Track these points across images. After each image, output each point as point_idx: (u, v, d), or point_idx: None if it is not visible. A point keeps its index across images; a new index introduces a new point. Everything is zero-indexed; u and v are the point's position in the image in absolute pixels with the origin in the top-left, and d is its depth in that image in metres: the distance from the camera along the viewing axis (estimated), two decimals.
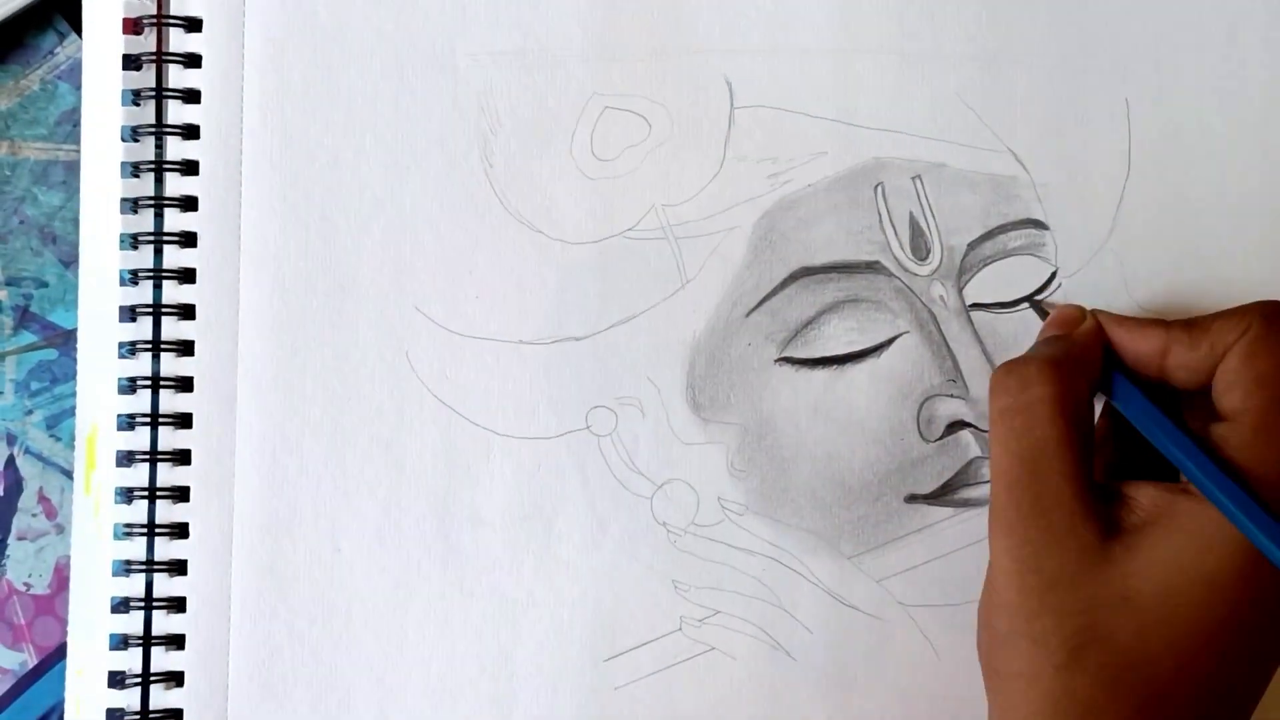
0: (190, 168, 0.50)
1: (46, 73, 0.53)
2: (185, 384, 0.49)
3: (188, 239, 0.50)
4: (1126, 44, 0.51)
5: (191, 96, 0.50)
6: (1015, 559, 0.41)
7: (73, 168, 0.52)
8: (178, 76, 0.50)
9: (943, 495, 0.50)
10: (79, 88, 0.51)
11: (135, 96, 0.50)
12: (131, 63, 0.50)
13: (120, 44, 0.50)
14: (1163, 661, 0.40)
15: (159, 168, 0.50)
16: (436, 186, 0.50)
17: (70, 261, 0.52)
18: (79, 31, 0.52)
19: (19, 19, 0.52)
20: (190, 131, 0.50)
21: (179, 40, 0.50)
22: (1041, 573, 0.41)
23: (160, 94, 0.50)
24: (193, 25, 0.50)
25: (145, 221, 0.50)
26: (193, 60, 0.50)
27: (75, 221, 0.51)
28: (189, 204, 0.50)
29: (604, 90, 0.51)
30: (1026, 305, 0.50)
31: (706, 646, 0.49)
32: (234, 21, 0.50)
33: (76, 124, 0.52)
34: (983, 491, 0.50)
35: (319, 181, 0.50)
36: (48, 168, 0.53)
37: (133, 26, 0.50)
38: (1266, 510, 0.39)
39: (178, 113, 0.50)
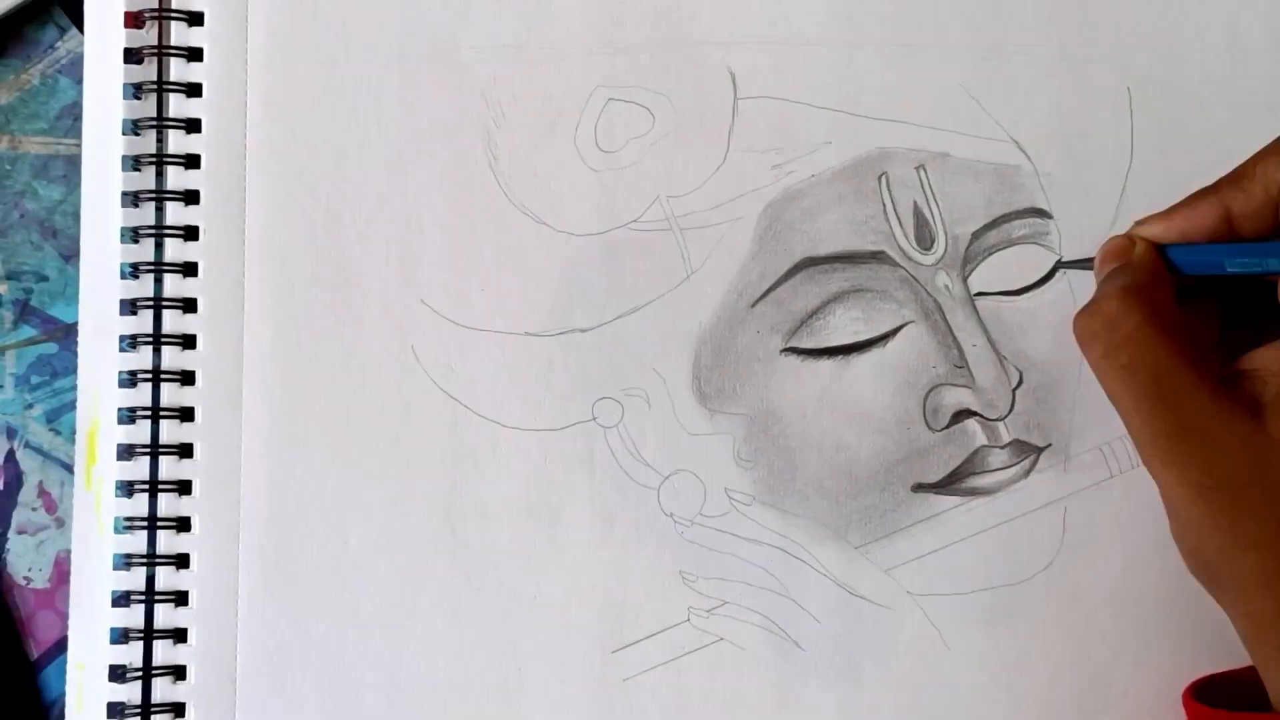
0: (192, 162, 0.49)
1: (47, 67, 0.53)
2: (187, 378, 0.49)
3: (190, 232, 0.49)
4: (1129, 33, 0.51)
5: (194, 90, 0.50)
6: (1189, 483, 0.40)
7: (73, 162, 0.52)
8: (180, 70, 0.50)
9: (950, 484, 0.49)
10: (79, 82, 0.51)
11: (136, 90, 0.50)
12: (133, 56, 0.50)
13: (121, 38, 0.50)
14: None
15: (160, 161, 0.49)
16: (441, 179, 0.50)
17: (71, 255, 0.52)
18: (79, 26, 0.51)
19: (19, 13, 0.52)
20: (192, 125, 0.49)
21: (181, 34, 0.50)
22: (1219, 483, 0.40)
23: (161, 88, 0.50)
24: (195, 19, 0.50)
25: (146, 215, 0.49)
26: (195, 54, 0.50)
27: (76, 215, 0.50)
28: (191, 198, 0.49)
29: (607, 82, 0.50)
30: (1032, 293, 0.50)
31: (715, 637, 0.49)
32: (236, 15, 0.50)
33: (77, 118, 0.51)
34: (989, 480, 0.49)
35: (323, 175, 0.50)
36: (48, 162, 0.52)
37: (134, 20, 0.50)
38: None
39: (180, 107, 0.50)
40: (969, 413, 0.50)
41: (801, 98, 0.51)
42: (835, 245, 0.50)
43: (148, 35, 0.50)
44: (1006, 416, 0.50)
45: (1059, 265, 0.50)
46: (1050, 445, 0.50)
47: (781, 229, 0.50)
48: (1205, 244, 0.42)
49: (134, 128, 0.50)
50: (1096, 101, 0.51)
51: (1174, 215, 0.43)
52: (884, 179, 0.50)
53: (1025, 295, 0.50)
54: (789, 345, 0.50)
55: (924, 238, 0.50)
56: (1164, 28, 0.51)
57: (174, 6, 0.50)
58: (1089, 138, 0.50)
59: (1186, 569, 0.42)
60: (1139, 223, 0.44)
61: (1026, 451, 0.50)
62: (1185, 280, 0.43)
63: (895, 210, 0.50)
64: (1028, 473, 0.50)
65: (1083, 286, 0.50)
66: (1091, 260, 0.45)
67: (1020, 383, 0.50)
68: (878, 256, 0.50)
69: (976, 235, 0.50)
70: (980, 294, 0.50)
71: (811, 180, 0.50)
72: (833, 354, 0.50)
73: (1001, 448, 0.50)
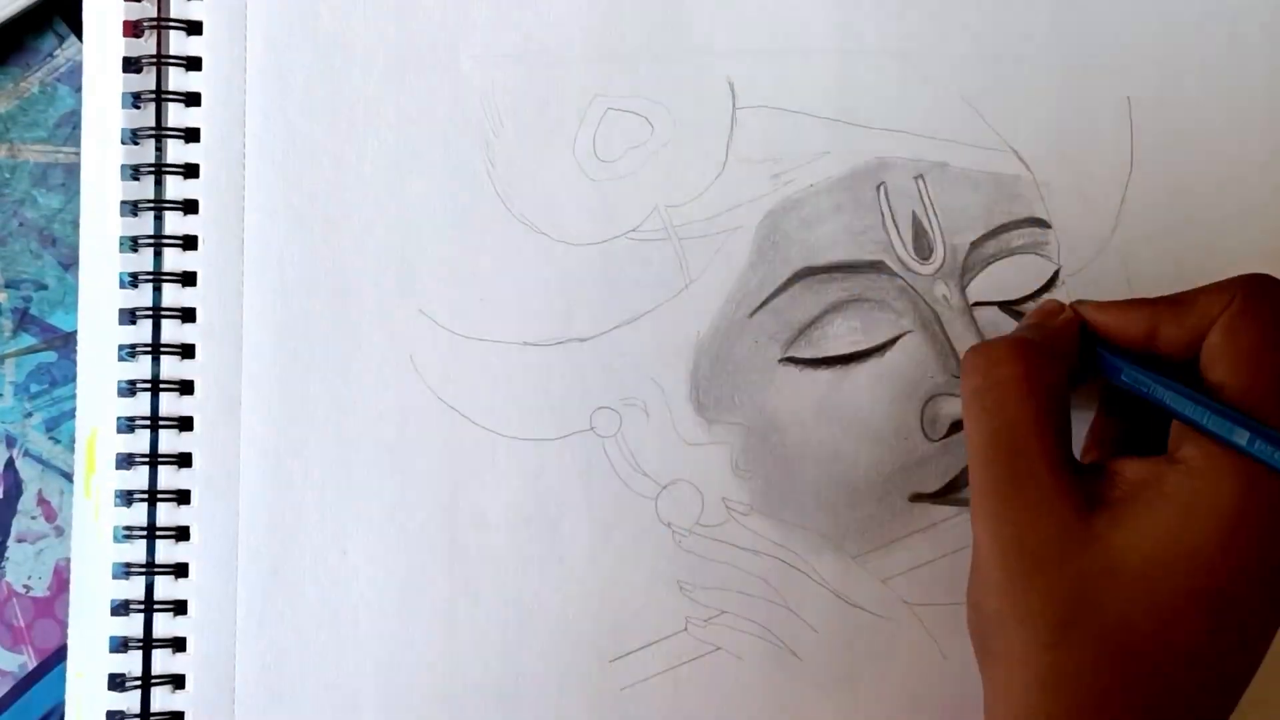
0: (191, 171, 0.49)
1: (46, 75, 0.52)
2: (186, 387, 0.48)
3: (189, 242, 0.49)
4: (1128, 42, 0.50)
5: (192, 99, 0.49)
6: (997, 538, 0.40)
7: (72, 170, 0.51)
8: (178, 79, 0.49)
9: (947, 494, 0.49)
10: (79, 90, 0.51)
11: (135, 99, 0.49)
12: (132, 65, 0.49)
13: (120, 46, 0.49)
14: (1151, 634, 0.39)
15: (159, 171, 0.49)
16: (439, 189, 0.49)
17: (70, 264, 0.51)
18: (78, 34, 0.51)
19: (18, 21, 0.52)
20: (191, 134, 0.49)
21: (180, 43, 0.49)
22: (1024, 551, 0.40)
23: (160, 97, 0.49)
24: (194, 28, 0.49)
25: (145, 224, 0.49)
26: (193, 63, 0.49)
27: (75, 224, 0.50)
28: (190, 207, 0.49)
29: (606, 91, 0.50)
30: (1030, 303, 0.49)
31: (712, 647, 0.48)
32: (235, 24, 0.49)
33: (76, 126, 0.51)
34: None
35: (322, 184, 0.49)
36: (47, 170, 0.52)
37: (133, 29, 0.49)
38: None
39: (178, 116, 0.49)
40: None
41: (800, 107, 0.50)
42: (834, 255, 0.50)
43: (146, 44, 0.50)
44: None
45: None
46: None
47: (780, 239, 0.50)
48: (1130, 363, 0.42)
49: (133, 137, 0.49)
50: (1096, 111, 0.50)
51: (1108, 308, 0.43)
52: (882, 189, 0.50)
53: (1024, 305, 0.50)
54: (787, 355, 0.49)
55: (922, 247, 0.50)
56: (1164, 37, 0.50)
57: (173, 15, 0.49)
58: (1088, 147, 0.50)
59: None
60: (1078, 300, 0.44)
61: None
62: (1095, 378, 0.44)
63: (894, 220, 0.50)
64: None
65: (1081, 296, 0.49)
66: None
67: None
68: (876, 266, 0.50)
69: (975, 245, 0.50)
70: (978, 304, 0.50)
71: (810, 190, 0.50)
72: (831, 364, 0.49)
73: None
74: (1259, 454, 0.38)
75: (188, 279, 0.49)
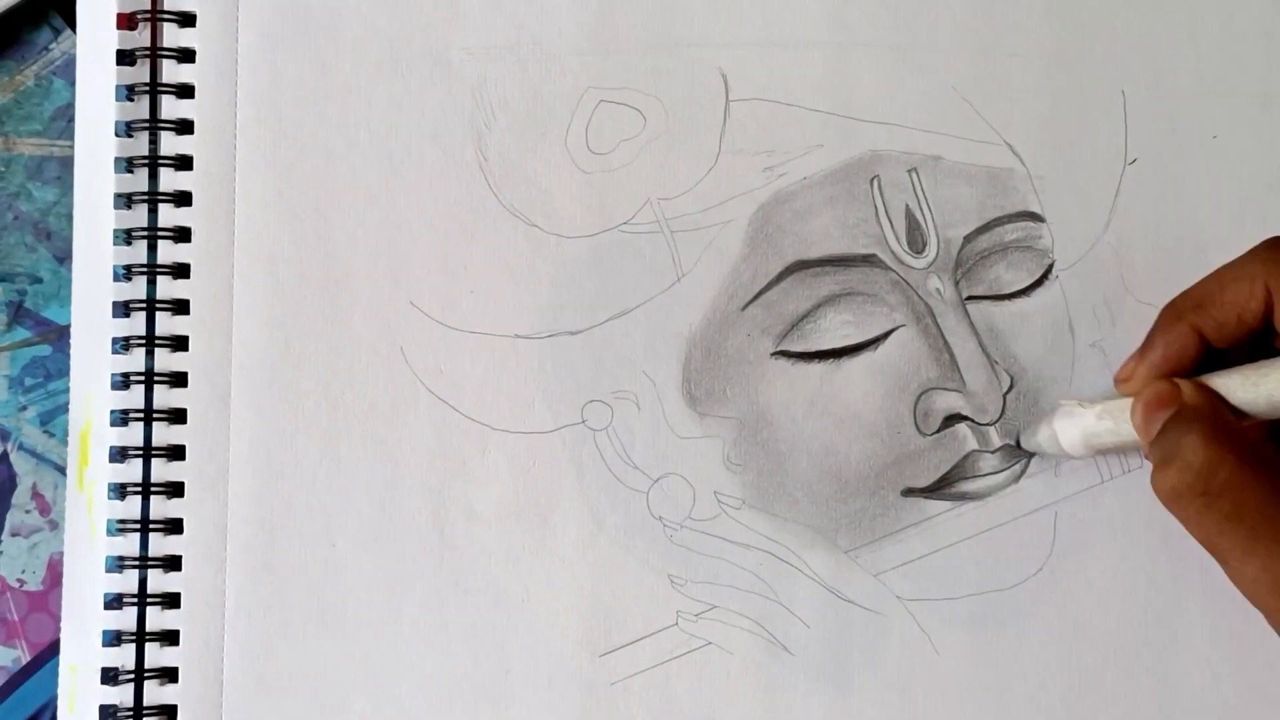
0: (184, 163, 0.47)
1: (41, 68, 0.50)
2: (179, 379, 0.46)
3: (182, 234, 0.46)
4: (1122, 36, 0.48)
5: (185, 91, 0.47)
6: None
7: (67, 163, 0.49)
8: (171, 72, 0.47)
9: (940, 489, 0.47)
10: (74, 83, 0.48)
11: (129, 91, 0.47)
12: (125, 58, 0.47)
13: (114, 39, 0.47)
14: None
15: (153, 163, 0.47)
16: (431, 181, 0.47)
17: (65, 257, 0.49)
18: (74, 28, 0.49)
19: (14, 14, 0.50)
20: (184, 127, 0.47)
21: (172, 35, 0.47)
22: None
23: (154, 89, 0.47)
24: (186, 20, 0.47)
25: (139, 217, 0.47)
26: (187, 55, 0.47)
27: (70, 217, 0.48)
28: (183, 199, 0.47)
29: (598, 83, 0.48)
30: (1024, 297, 0.47)
31: (703, 641, 0.46)
32: (228, 16, 0.47)
33: (71, 120, 0.49)
34: (979, 485, 0.47)
35: (313, 176, 0.47)
36: (42, 163, 0.50)
37: (127, 21, 0.47)
38: None
39: (171, 108, 0.47)
40: (960, 417, 0.47)
41: (793, 100, 0.48)
42: (826, 248, 0.47)
43: (140, 36, 0.47)
44: (997, 421, 0.47)
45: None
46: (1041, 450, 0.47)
47: (773, 231, 0.47)
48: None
49: (127, 129, 0.47)
50: (1090, 104, 0.48)
51: (1152, 352, 0.41)
52: (876, 182, 0.47)
53: (1017, 299, 0.47)
54: (779, 348, 0.47)
55: (916, 241, 0.47)
56: (1158, 29, 0.48)
57: (166, 8, 0.47)
58: (1082, 141, 0.48)
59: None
60: (1123, 374, 0.42)
61: (1017, 456, 0.47)
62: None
63: (887, 213, 0.47)
64: (1018, 478, 0.47)
65: (1075, 291, 0.47)
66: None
67: (1011, 387, 0.47)
68: (869, 260, 0.47)
69: (968, 239, 0.47)
70: (972, 298, 0.47)
71: (803, 183, 0.47)
72: (823, 357, 0.47)
73: (992, 452, 0.47)
74: None
75: (180, 271, 0.47)
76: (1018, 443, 0.46)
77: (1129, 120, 0.48)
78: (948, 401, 0.47)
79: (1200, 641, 0.46)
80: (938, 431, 0.47)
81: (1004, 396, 0.47)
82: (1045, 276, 0.48)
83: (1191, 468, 0.38)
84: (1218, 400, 0.39)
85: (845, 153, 0.48)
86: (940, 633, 0.46)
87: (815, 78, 0.48)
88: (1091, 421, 0.43)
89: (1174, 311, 0.41)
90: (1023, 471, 0.47)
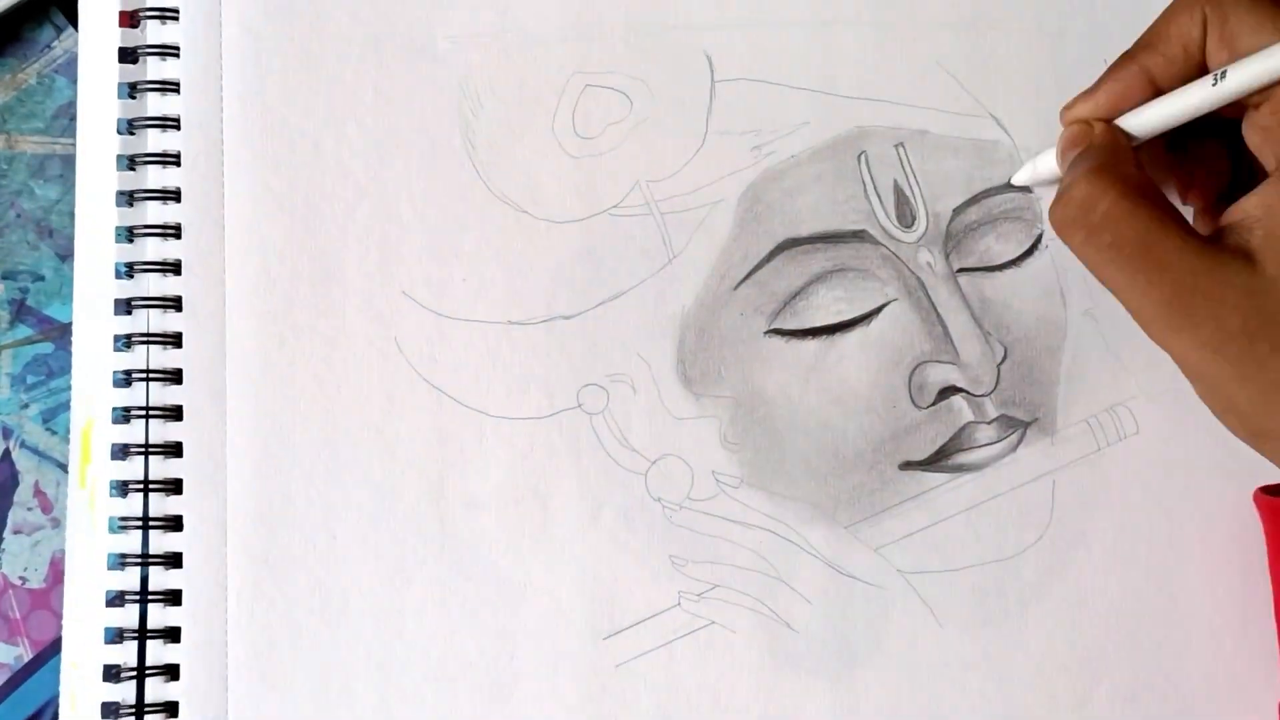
0: (176, 159, 0.45)
1: (43, 67, 0.49)
2: (176, 376, 0.45)
3: (176, 231, 0.45)
4: (1104, 5, 0.47)
5: (171, 87, 0.46)
6: (1203, 344, 0.36)
7: (69, 161, 0.48)
8: (156, 68, 0.46)
9: (937, 461, 0.45)
10: (76, 82, 0.47)
11: (131, 89, 0.46)
12: (127, 56, 0.46)
13: (116, 37, 0.46)
14: None
15: (153, 160, 0.45)
16: (420, 170, 0.46)
17: (67, 255, 0.48)
18: (76, 25, 0.47)
19: (16, 13, 0.49)
20: (171, 123, 0.45)
21: (156, 31, 0.46)
22: (1232, 335, 0.36)
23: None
24: (169, 15, 0.46)
25: (141, 214, 0.45)
26: (171, 50, 0.46)
27: (72, 215, 0.47)
28: (177, 195, 0.45)
29: (584, 68, 0.46)
30: (1014, 268, 0.46)
31: (706, 621, 0.45)
32: (211, 11, 0.46)
33: (73, 118, 0.48)
34: (977, 456, 0.45)
35: (301, 169, 0.45)
36: (44, 161, 0.48)
37: (129, 19, 0.46)
38: None
39: (157, 104, 0.46)
40: (955, 389, 0.45)
41: (779, 79, 0.46)
42: (816, 225, 0.46)
43: (143, 35, 0.46)
44: (992, 392, 0.46)
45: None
46: (1037, 420, 0.46)
47: (762, 210, 0.46)
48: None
49: (128, 127, 0.46)
50: (1074, 74, 0.46)
51: (1100, 92, 0.40)
52: (863, 158, 0.46)
53: (1007, 270, 0.46)
54: (773, 327, 0.46)
55: (905, 215, 0.46)
56: None
57: (149, 4, 0.46)
58: None
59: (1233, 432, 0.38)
60: (1068, 107, 0.41)
61: (1013, 426, 0.46)
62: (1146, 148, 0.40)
63: (875, 189, 0.46)
64: (1015, 448, 0.46)
65: (1066, 260, 0.46)
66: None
67: (1005, 358, 0.46)
68: (859, 235, 0.46)
69: (957, 212, 0.46)
70: (962, 270, 0.46)
71: (791, 161, 0.46)
72: (817, 334, 0.46)
73: (988, 423, 0.46)
74: None
75: (176, 268, 0.45)
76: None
77: None
78: (942, 374, 0.45)
79: (1201, 607, 0.45)
80: (933, 404, 0.45)
81: (998, 367, 0.46)
82: (1035, 246, 0.46)
83: (1074, 201, 0.37)
84: (1121, 140, 0.39)
85: (832, 130, 0.46)
86: (942, 605, 0.45)
87: (800, 56, 0.47)
88: (1044, 158, 0.43)
89: (1126, 55, 0.40)
90: (1019, 441, 0.46)
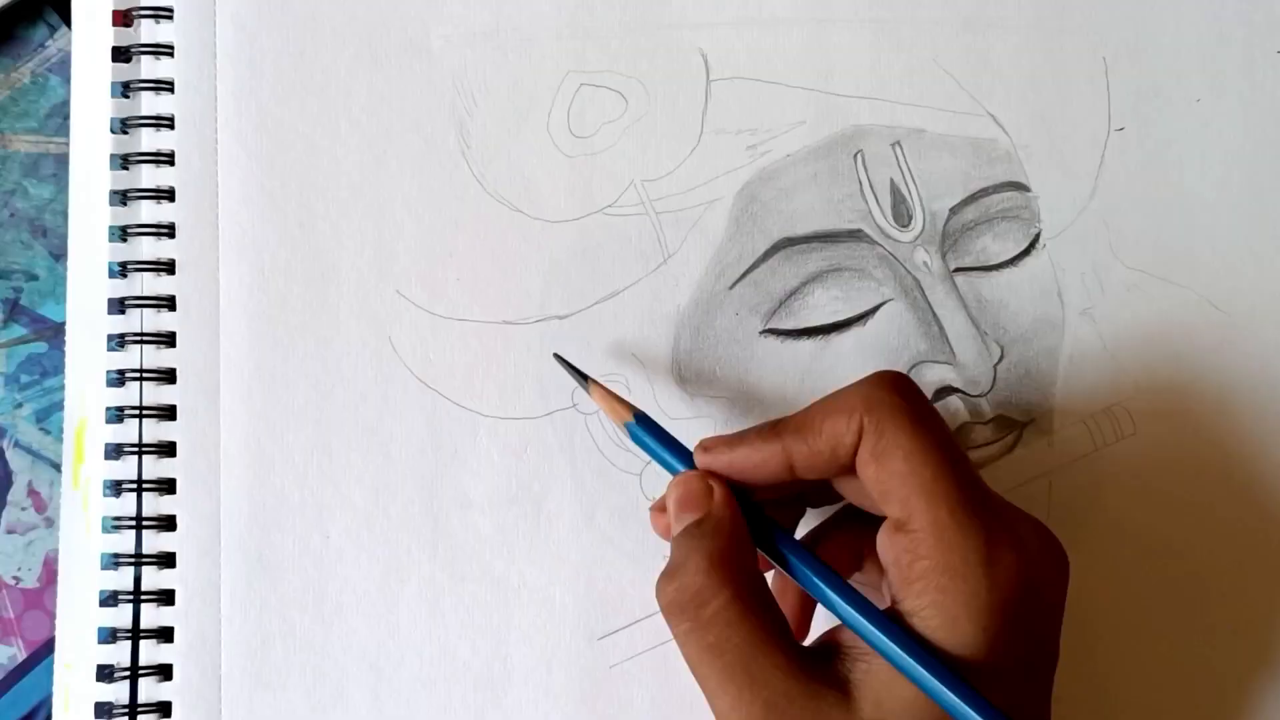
0: (170, 158, 0.45)
1: (37, 66, 0.48)
2: (170, 376, 0.44)
3: (170, 230, 0.45)
4: (1103, 3, 0.46)
5: (165, 86, 0.45)
6: None
7: (63, 161, 0.48)
8: (150, 67, 0.45)
9: None
10: (69, 81, 0.46)
11: (125, 88, 0.45)
12: (121, 55, 0.45)
13: (110, 36, 0.45)
14: None
15: (147, 160, 0.45)
16: (414, 169, 0.45)
17: (61, 254, 0.47)
18: (70, 24, 0.47)
19: (10, 12, 0.48)
20: (165, 122, 0.45)
21: (151, 30, 0.45)
22: None
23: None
24: (164, 15, 0.45)
25: (134, 213, 0.45)
26: (165, 50, 0.45)
27: (65, 214, 0.46)
28: (171, 195, 0.45)
29: (579, 67, 0.46)
30: (1011, 267, 0.45)
31: None
32: (205, 10, 0.45)
33: (67, 117, 0.47)
34: (973, 457, 0.45)
35: (295, 169, 0.45)
36: (38, 160, 0.48)
37: (122, 18, 0.45)
38: (944, 672, 0.33)
39: (152, 104, 0.45)
40: (951, 390, 0.45)
41: (774, 78, 0.46)
42: (812, 225, 0.45)
43: (136, 33, 0.45)
44: (989, 392, 0.45)
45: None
46: (1034, 420, 0.45)
47: (758, 210, 0.45)
48: (805, 561, 0.37)
49: (122, 126, 0.45)
50: (1072, 72, 0.46)
51: (738, 449, 0.38)
52: (860, 157, 0.45)
53: (1004, 270, 0.45)
54: (768, 326, 0.45)
55: (901, 215, 0.45)
56: None
57: (143, 3, 0.45)
58: (1065, 109, 0.46)
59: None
60: (704, 443, 0.38)
61: (1010, 427, 0.45)
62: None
63: (872, 188, 0.45)
64: (1011, 448, 0.45)
65: (1063, 259, 0.45)
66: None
67: (1002, 358, 0.45)
68: (855, 235, 0.45)
69: (954, 211, 0.45)
70: (959, 269, 0.45)
71: (787, 160, 0.45)
72: (812, 334, 0.45)
73: (985, 424, 0.45)
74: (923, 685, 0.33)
75: (170, 267, 0.45)
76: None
77: (1111, 87, 0.46)
78: (938, 374, 0.45)
79: (1192, 604, 0.45)
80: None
81: (994, 368, 0.45)
82: (1032, 246, 0.46)
83: (688, 589, 0.35)
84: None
85: (828, 128, 0.46)
86: None
87: (795, 55, 0.46)
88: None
89: (772, 427, 0.37)
90: (1016, 442, 0.45)
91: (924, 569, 0.34)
